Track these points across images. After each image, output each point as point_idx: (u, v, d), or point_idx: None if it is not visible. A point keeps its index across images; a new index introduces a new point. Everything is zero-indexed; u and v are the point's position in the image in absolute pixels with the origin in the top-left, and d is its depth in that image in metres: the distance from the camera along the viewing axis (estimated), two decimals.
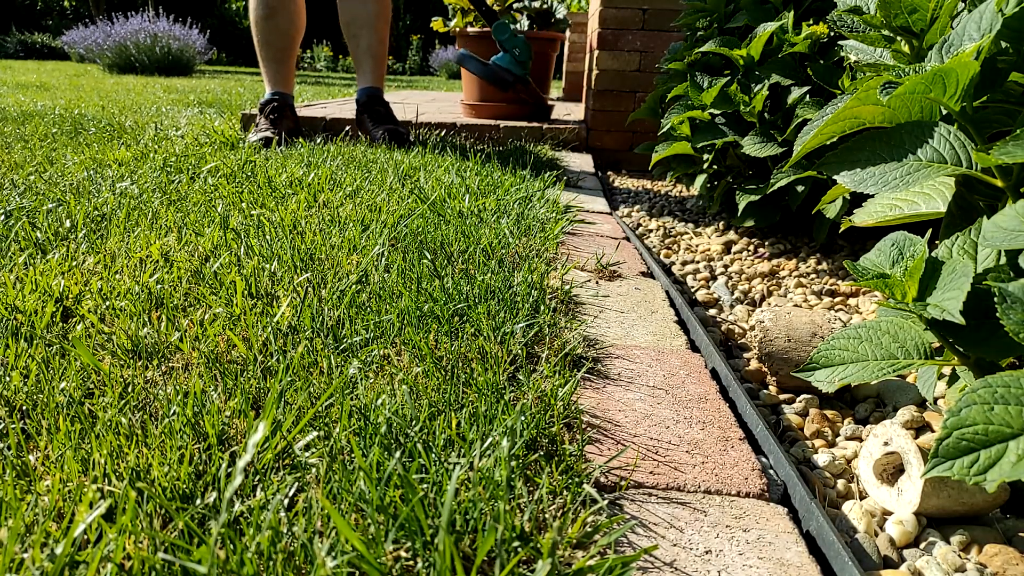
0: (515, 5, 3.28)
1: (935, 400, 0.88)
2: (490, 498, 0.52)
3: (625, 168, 2.95)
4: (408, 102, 3.89)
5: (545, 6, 3.36)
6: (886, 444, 0.70)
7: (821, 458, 0.77)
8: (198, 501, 0.53)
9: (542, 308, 0.94)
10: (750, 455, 0.69)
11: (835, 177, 0.78)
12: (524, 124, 2.86)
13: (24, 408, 0.67)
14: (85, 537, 0.49)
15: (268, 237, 1.21)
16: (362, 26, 2.44)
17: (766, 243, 1.70)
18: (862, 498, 0.72)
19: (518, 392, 0.74)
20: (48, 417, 0.64)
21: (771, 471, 0.70)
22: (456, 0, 3.16)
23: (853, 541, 0.64)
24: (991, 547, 0.61)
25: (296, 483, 0.55)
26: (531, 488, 0.59)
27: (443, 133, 2.78)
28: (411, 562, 0.48)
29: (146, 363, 0.77)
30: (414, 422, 0.64)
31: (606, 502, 0.59)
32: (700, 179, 1.92)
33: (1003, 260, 0.68)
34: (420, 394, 0.71)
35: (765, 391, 0.95)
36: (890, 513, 0.68)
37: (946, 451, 0.50)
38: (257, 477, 0.57)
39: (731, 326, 1.19)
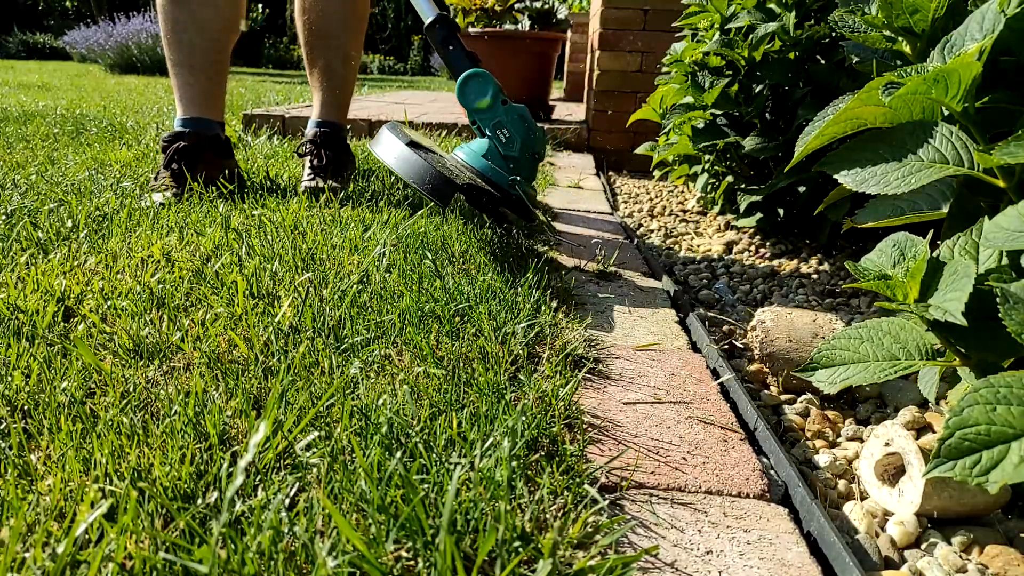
0: (516, 6, 3.28)
1: (936, 401, 0.88)
2: (491, 498, 0.52)
3: (626, 168, 2.95)
4: (409, 103, 3.89)
5: (547, 7, 3.36)
6: (887, 445, 0.70)
7: (822, 459, 0.77)
8: (199, 501, 0.53)
9: (543, 308, 0.94)
10: (751, 456, 0.69)
11: (836, 177, 0.78)
12: None
13: (26, 408, 0.67)
14: (86, 537, 0.49)
15: (269, 237, 1.21)
16: (323, 36, 1.66)
17: (767, 243, 1.70)
18: (863, 499, 0.72)
19: (519, 392, 0.74)
20: (50, 417, 0.64)
21: (772, 472, 0.70)
22: (458, 0, 3.16)
23: (854, 542, 0.63)
24: (992, 548, 0.61)
25: (297, 483, 0.55)
26: (532, 488, 0.59)
27: (444, 133, 2.77)
28: (412, 562, 0.48)
29: (147, 363, 0.77)
30: (415, 422, 0.64)
31: (607, 502, 0.59)
32: (701, 179, 1.92)
33: (1005, 261, 0.68)
34: (421, 394, 0.71)
35: (766, 391, 0.95)
36: (891, 514, 0.67)
37: (948, 451, 0.50)
38: (258, 477, 0.57)
39: (732, 326, 1.19)
